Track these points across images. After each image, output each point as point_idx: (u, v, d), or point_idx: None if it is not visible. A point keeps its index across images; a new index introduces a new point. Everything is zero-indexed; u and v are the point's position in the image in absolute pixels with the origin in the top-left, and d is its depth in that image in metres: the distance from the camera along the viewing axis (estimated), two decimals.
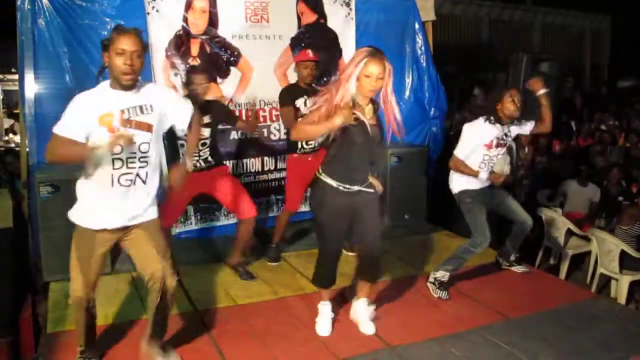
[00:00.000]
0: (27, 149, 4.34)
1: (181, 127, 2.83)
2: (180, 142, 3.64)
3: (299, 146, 4.11)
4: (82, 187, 2.67)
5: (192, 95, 3.62)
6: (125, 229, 2.71)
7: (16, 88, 8.69)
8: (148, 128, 2.60)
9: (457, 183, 3.94)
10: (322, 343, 3.17)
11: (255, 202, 4.97)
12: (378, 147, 3.08)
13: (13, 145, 8.57)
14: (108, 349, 3.05)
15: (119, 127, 2.52)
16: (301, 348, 3.14)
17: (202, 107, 3.68)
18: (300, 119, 3.03)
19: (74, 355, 2.96)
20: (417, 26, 5.60)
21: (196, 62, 4.62)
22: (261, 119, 4.92)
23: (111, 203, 2.63)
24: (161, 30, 4.46)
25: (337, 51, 5.23)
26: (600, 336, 3.28)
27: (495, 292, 3.89)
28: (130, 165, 2.60)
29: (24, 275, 4.09)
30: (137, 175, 2.63)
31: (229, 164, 4.85)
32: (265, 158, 5.00)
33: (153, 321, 2.83)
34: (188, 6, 4.57)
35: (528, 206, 6.35)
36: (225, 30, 4.72)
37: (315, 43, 5.08)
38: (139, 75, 2.54)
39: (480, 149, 3.84)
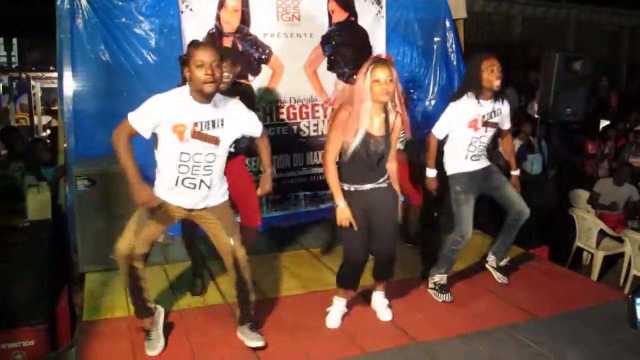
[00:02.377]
0: (65, 145, 4.47)
1: (255, 135, 3.08)
2: None
3: None
4: (159, 174, 2.89)
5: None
6: (191, 210, 2.93)
7: (54, 86, 8.95)
8: (216, 142, 2.79)
9: (449, 165, 3.73)
10: (350, 337, 3.21)
11: (284, 198, 5.10)
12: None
13: (44, 134, 8.82)
14: (142, 339, 3.11)
15: (189, 138, 2.72)
16: (330, 342, 3.18)
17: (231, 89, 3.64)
18: (327, 149, 3.11)
19: (107, 342, 3.07)
20: (447, 24, 5.57)
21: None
22: (291, 116, 4.97)
23: (177, 196, 2.87)
24: (194, 28, 4.53)
25: (367, 49, 5.23)
26: (630, 338, 3.23)
27: (523, 290, 3.87)
28: (195, 172, 2.81)
29: (61, 266, 4.22)
30: (202, 181, 2.84)
31: (257, 161, 4.92)
32: (294, 155, 5.06)
33: (238, 303, 3.08)
34: (221, 5, 4.64)
35: (560, 206, 6.33)
36: (257, 29, 4.78)
37: (346, 41, 5.13)
38: (219, 84, 2.74)
39: (465, 131, 3.61)
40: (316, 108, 5.09)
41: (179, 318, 3.39)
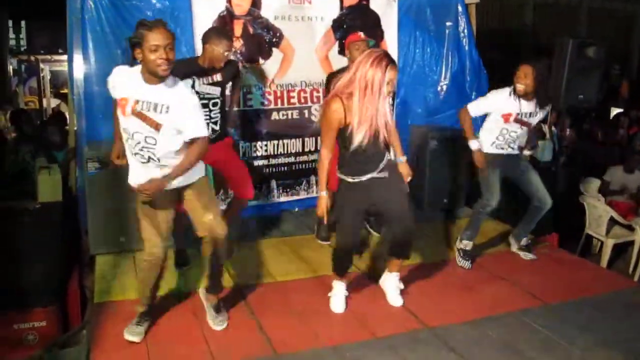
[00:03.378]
0: (75, 128, 4.47)
1: (186, 139, 2.78)
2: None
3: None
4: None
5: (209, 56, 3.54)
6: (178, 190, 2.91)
7: (63, 69, 8.96)
8: (156, 126, 2.69)
9: (483, 143, 3.93)
10: (360, 321, 3.22)
11: (296, 182, 5.09)
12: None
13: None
14: (153, 320, 3.13)
15: (129, 114, 2.68)
16: (340, 325, 3.20)
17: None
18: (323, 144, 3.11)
19: (118, 324, 3.09)
20: (460, 9, 5.52)
21: (239, 42, 4.66)
22: (302, 100, 4.94)
23: (143, 172, 2.81)
24: (205, 11, 4.50)
25: (379, 33, 5.19)
26: None
27: (533, 276, 3.86)
28: (140, 148, 2.76)
29: (72, 248, 4.24)
30: (150, 158, 2.77)
31: (269, 144, 4.92)
32: (306, 139, 5.04)
33: (208, 274, 3.08)
34: None
35: (570, 193, 6.29)
36: (268, 12, 4.75)
37: (357, 25, 5.07)
38: (172, 65, 2.64)
39: (498, 120, 3.84)
40: (302, 94, 5.04)
41: (189, 300, 3.40)
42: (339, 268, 3.34)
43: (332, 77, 4.11)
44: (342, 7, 5.03)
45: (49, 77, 9.65)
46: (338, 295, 3.38)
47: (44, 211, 3.95)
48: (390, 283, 3.45)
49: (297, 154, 5.01)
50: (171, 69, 2.65)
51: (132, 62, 2.72)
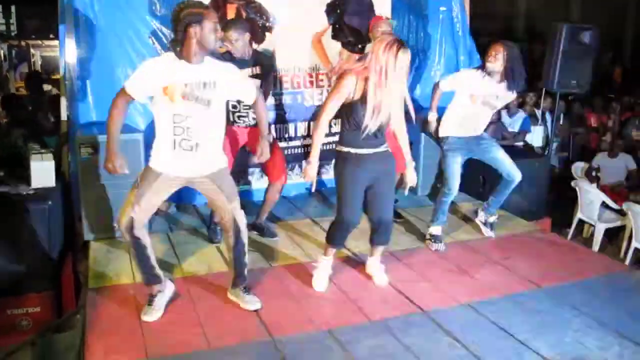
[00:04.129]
0: (67, 113, 4.43)
1: (247, 102, 3.15)
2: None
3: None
4: (156, 140, 2.92)
5: (228, 52, 3.72)
6: (190, 180, 2.97)
7: (54, 54, 8.86)
8: (207, 103, 2.79)
9: (444, 126, 4.04)
10: (355, 305, 3.23)
11: (288, 167, 5.08)
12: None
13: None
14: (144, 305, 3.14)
15: (180, 99, 2.74)
16: (334, 309, 3.22)
17: (253, 57, 3.88)
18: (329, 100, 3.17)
19: (113, 308, 3.09)
20: None
21: None
22: (295, 85, 4.92)
23: (175, 160, 2.88)
24: None
25: (372, 18, 5.16)
26: (633, 307, 3.27)
27: (527, 261, 3.89)
28: (189, 134, 2.81)
29: (66, 234, 4.23)
30: (197, 144, 2.84)
31: None
32: (299, 124, 5.02)
33: (234, 264, 3.15)
34: None
35: (564, 178, 6.34)
36: None
37: (351, 10, 5.04)
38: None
39: (465, 100, 3.91)
40: (320, 77, 5.03)
41: (184, 285, 3.40)
42: (334, 238, 3.36)
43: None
44: None
45: (40, 63, 9.55)
46: (322, 272, 3.43)
47: (37, 196, 3.94)
48: (375, 265, 3.54)
49: (289, 139, 4.99)
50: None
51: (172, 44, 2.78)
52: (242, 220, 3.06)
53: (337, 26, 5.03)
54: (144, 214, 2.93)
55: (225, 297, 3.24)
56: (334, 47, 5.04)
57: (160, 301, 3.08)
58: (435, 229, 4.11)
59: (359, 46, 5.01)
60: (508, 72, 3.77)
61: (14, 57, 9.42)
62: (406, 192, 3.48)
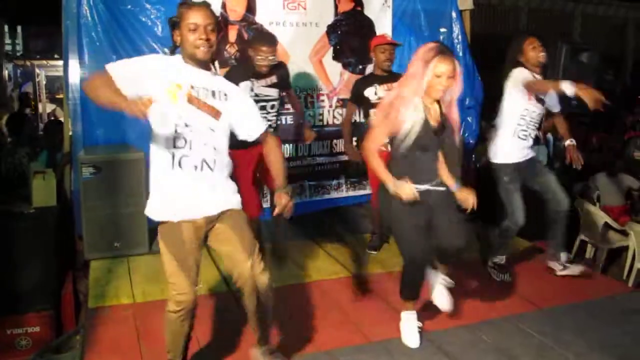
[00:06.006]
0: (70, 133, 4.47)
1: (246, 137, 2.55)
2: None
3: None
4: (152, 176, 2.43)
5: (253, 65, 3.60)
6: (209, 221, 2.43)
7: (59, 74, 8.93)
8: (216, 114, 2.37)
9: (499, 154, 3.78)
10: (355, 326, 3.22)
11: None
12: (449, 147, 2.92)
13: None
14: (147, 326, 3.14)
15: (184, 102, 2.30)
16: (335, 330, 3.18)
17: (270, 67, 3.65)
18: (370, 137, 2.82)
19: (112, 329, 3.08)
20: (454, 15, 5.55)
21: (233, 48, 4.68)
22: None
23: (188, 194, 2.37)
24: None
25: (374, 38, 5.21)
26: (636, 330, 3.23)
27: (528, 282, 3.87)
28: (192, 147, 2.33)
29: (66, 253, 4.23)
30: (204, 160, 2.37)
31: None
32: (299, 144, 5.04)
33: (257, 326, 2.58)
34: None
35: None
36: (262, 17, 4.76)
37: (352, 31, 5.10)
38: (214, 51, 2.36)
39: (522, 100, 3.65)
40: (321, 97, 5.08)
41: None
42: (410, 291, 3.01)
43: (359, 83, 4.22)
44: (336, 13, 5.06)
45: (44, 82, 9.65)
46: (410, 327, 3.03)
47: (38, 215, 3.95)
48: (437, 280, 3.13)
49: (290, 159, 5.01)
50: (211, 53, 2.36)
51: (173, 50, 2.46)
52: (265, 280, 2.42)
53: (338, 47, 5.09)
54: (190, 283, 2.37)
55: (225, 318, 3.22)
56: (335, 68, 5.10)
57: None
58: (500, 258, 3.92)
59: (360, 67, 5.06)
60: (544, 65, 3.67)
61: (18, 76, 9.54)
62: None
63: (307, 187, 5.21)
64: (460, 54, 5.62)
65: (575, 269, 3.94)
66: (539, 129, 4.01)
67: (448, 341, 3.05)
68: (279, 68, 3.78)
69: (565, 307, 3.52)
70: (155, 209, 2.41)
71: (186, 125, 2.32)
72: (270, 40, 3.64)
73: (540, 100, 3.71)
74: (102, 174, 3.99)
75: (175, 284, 2.36)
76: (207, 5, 2.38)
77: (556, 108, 3.90)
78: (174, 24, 2.36)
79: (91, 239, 4.05)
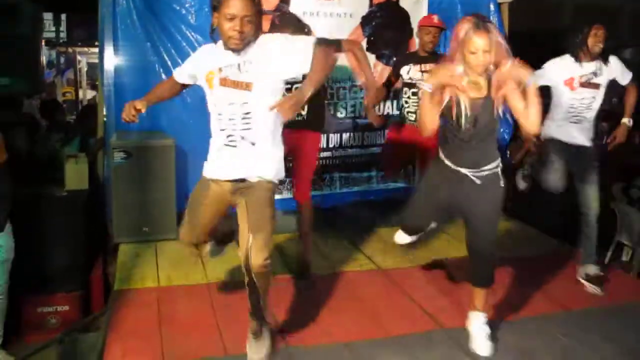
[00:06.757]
0: (105, 118, 4.55)
1: (301, 73, 2.52)
2: None
3: None
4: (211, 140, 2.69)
5: None
6: (236, 190, 2.59)
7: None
8: (247, 87, 2.45)
9: (547, 128, 3.72)
10: (375, 319, 3.19)
11: (319, 178, 5.06)
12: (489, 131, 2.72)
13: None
14: (169, 310, 3.19)
15: (218, 86, 2.49)
16: (354, 322, 3.16)
17: None
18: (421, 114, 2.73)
19: (136, 311, 3.15)
20: (492, 7, 5.42)
21: None
22: (328, 97, 4.93)
23: (222, 159, 2.60)
24: None
25: (408, 31, 5.14)
26: None
27: (558, 283, 3.75)
28: (233, 126, 2.51)
29: (97, 236, 4.33)
30: (242, 137, 2.52)
31: None
32: (331, 135, 5.02)
33: (249, 300, 2.64)
34: None
35: (603, 200, 6.10)
36: (296, 7, 4.73)
37: (386, 23, 5.03)
38: (250, 39, 2.42)
39: (563, 90, 3.63)
40: (354, 89, 5.04)
41: (207, 291, 3.44)
42: (405, 225, 3.25)
43: (400, 59, 4.37)
44: (371, 4, 4.99)
45: (85, 69, 9.87)
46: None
47: (70, 199, 4.05)
48: (475, 324, 2.92)
49: (321, 150, 4.99)
50: (246, 44, 2.42)
51: (212, 34, 2.55)
52: (257, 261, 2.41)
53: (372, 38, 5.04)
54: (200, 233, 2.83)
55: (245, 305, 3.23)
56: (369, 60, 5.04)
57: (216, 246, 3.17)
58: (590, 268, 3.68)
59: (394, 59, 4.99)
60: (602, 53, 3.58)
61: (62, 63, 9.79)
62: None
63: (337, 179, 5.18)
64: None
65: (595, 290, 3.66)
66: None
67: (469, 339, 2.98)
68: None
69: (596, 310, 3.41)
70: (204, 166, 2.71)
71: (224, 107, 2.51)
72: (297, 25, 3.60)
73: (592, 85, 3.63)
74: (132, 159, 4.05)
75: (181, 229, 2.87)
76: None
77: (625, 79, 3.75)
78: (214, 7, 2.41)
79: (121, 223, 4.11)
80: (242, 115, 2.49)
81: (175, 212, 4.13)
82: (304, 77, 2.48)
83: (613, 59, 3.67)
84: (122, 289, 3.46)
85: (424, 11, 5.15)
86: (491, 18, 5.39)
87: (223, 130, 2.55)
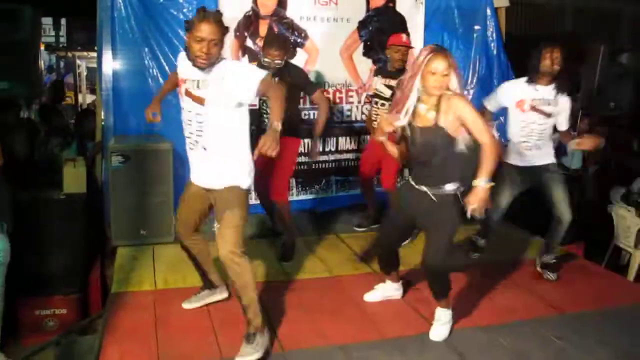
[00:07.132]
0: (103, 122, 4.58)
1: (246, 99, 2.73)
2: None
3: None
4: None
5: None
6: (208, 190, 2.87)
7: None
8: (200, 102, 2.71)
9: (507, 150, 3.85)
10: (370, 322, 3.21)
11: (316, 182, 5.09)
12: (449, 153, 2.81)
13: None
14: (165, 313, 3.20)
15: (183, 94, 2.80)
16: (349, 325, 3.17)
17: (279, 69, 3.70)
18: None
19: (132, 314, 3.15)
20: (489, 12, 5.45)
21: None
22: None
23: (193, 164, 2.91)
24: (231, 10, 4.54)
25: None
26: None
27: (553, 286, 3.78)
28: (189, 131, 2.81)
29: (95, 239, 4.34)
30: (196, 142, 2.80)
31: None
32: (327, 139, 5.04)
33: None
34: None
35: (600, 204, 6.12)
36: (293, 12, 4.78)
37: (383, 27, 5.07)
38: (214, 60, 2.63)
39: (514, 112, 3.74)
40: (350, 93, 5.07)
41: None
42: (379, 262, 3.40)
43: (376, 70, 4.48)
44: (368, 9, 5.04)
45: (85, 74, 9.91)
46: (376, 289, 3.49)
47: (67, 201, 4.07)
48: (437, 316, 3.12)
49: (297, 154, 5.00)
50: (210, 63, 2.62)
51: (186, 51, 2.72)
52: (223, 254, 2.71)
53: (368, 43, 5.07)
54: (182, 228, 3.08)
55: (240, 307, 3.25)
56: (366, 64, 5.08)
57: (202, 295, 3.29)
58: (546, 257, 3.89)
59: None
60: (559, 77, 3.64)
61: (61, 67, 9.83)
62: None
63: (333, 183, 5.21)
64: (495, 52, 5.54)
65: (550, 276, 3.87)
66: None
67: (463, 342, 3.01)
68: (287, 70, 3.76)
69: (590, 313, 3.42)
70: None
71: (189, 116, 2.78)
72: (280, 45, 3.70)
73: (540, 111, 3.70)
74: (130, 162, 4.07)
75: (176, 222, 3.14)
76: (217, 20, 2.61)
77: (563, 125, 3.80)
78: (187, 29, 2.65)
79: (118, 226, 4.13)
80: (197, 125, 2.77)
81: (172, 215, 4.15)
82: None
83: (564, 99, 3.69)
84: (120, 292, 3.47)
85: (421, 16, 5.21)
86: (488, 23, 5.45)
87: (187, 134, 2.84)
